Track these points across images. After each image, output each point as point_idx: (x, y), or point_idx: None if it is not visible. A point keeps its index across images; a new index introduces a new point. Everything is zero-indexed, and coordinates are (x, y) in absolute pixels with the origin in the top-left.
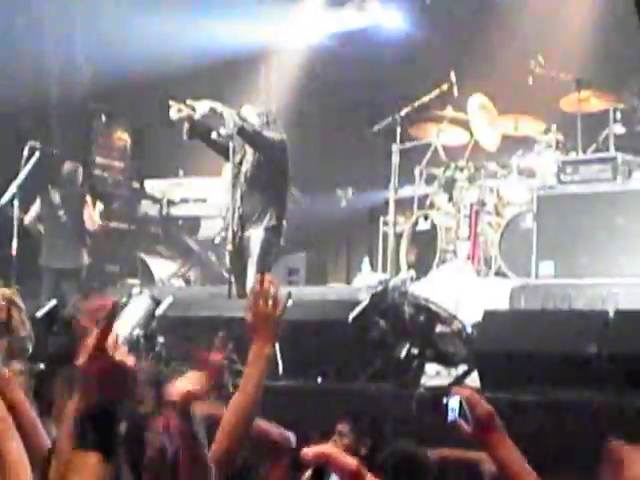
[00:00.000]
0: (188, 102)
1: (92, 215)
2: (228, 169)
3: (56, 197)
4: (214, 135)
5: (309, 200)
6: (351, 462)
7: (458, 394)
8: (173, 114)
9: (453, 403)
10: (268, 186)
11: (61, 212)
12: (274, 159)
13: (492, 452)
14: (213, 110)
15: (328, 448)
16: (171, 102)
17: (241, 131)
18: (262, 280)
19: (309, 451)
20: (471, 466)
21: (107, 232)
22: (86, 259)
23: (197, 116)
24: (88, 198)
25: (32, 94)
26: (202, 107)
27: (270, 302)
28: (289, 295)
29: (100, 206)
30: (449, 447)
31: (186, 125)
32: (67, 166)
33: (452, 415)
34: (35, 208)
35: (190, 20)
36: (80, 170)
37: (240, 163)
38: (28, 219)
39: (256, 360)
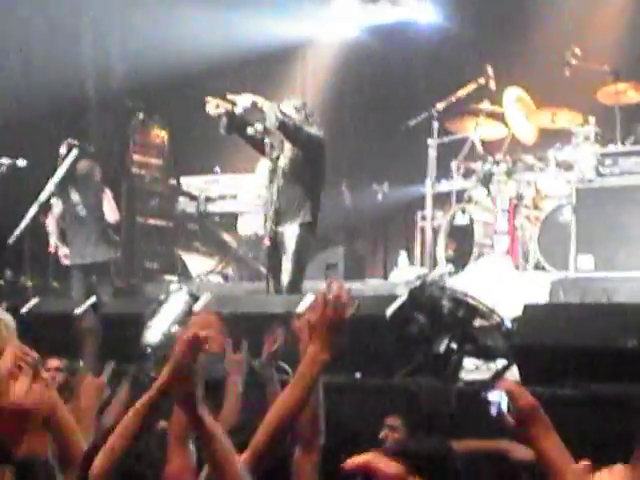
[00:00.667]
0: (229, 96)
1: (113, 207)
2: (262, 165)
3: (75, 195)
4: (251, 131)
5: (347, 195)
6: (393, 467)
7: (501, 387)
8: (210, 109)
9: (495, 396)
10: (305, 182)
11: (80, 208)
12: (312, 155)
13: (536, 445)
14: (254, 104)
15: (369, 457)
16: (208, 98)
17: (282, 126)
18: (333, 284)
19: (351, 462)
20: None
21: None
22: (113, 252)
23: (238, 110)
24: (107, 191)
25: (69, 92)
26: (244, 101)
27: (338, 307)
28: (357, 305)
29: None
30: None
31: (224, 120)
32: (83, 164)
33: (495, 408)
34: (56, 209)
35: (225, 16)
36: (97, 167)
37: (277, 158)
38: (52, 220)
39: (311, 363)
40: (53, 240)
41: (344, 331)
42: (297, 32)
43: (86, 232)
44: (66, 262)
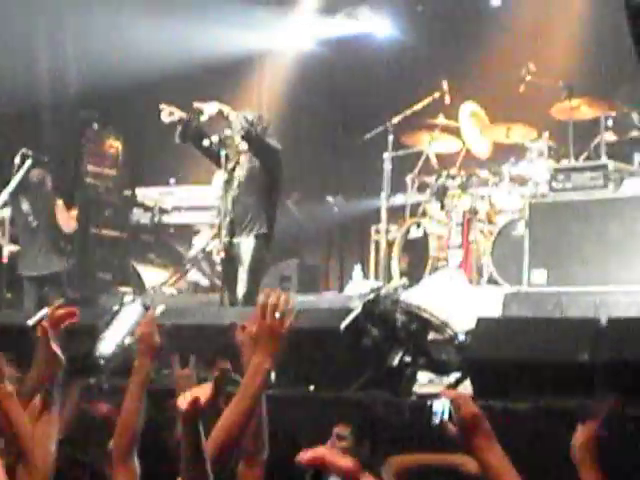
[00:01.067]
0: (196, 104)
1: (68, 217)
2: (218, 177)
3: (25, 205)
4: (206, 142)
5: (301, 207)
6: (348, 461)
7: (444, 396)
8: (164, 116)
9: (439, 406)
10: (260, 193)
11: (31, 218)
12: (269, 166)
13: (478, 455)
14: (221, 112)
15: (323, 450)
16: (162, 105)
17: (247, 135)
18: (271, 293)
19: (305, 454)
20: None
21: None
22: (64, 263)
23: (204, 117)
24: (59, 202)
25: (23, 101)
26: (210, 108)
27: (278, 316)
28: (296, 314)
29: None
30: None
31: (179, 128)
32: (34, 173)
33: (437, 417)
34: (5, 214)
35: (181, 26)
36: (48, 176)
37: (233, 169)
38: None
39: (255, 373)
40: (5, 250)
41: (284, 340)
42: (254, 43)
43: (37, 243)
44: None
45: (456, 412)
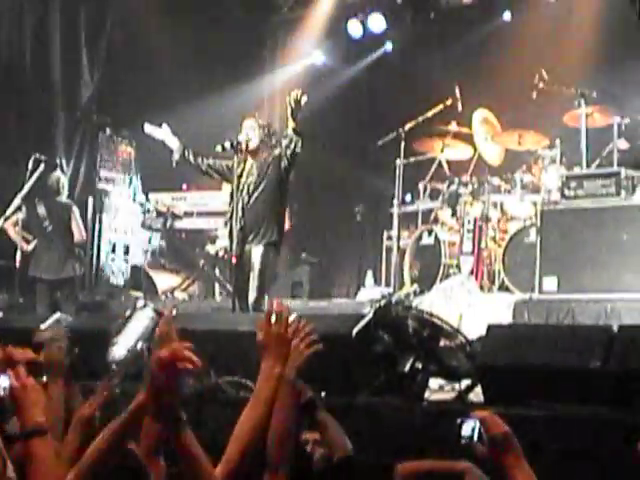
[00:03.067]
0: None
1: (80, 226)
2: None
3: (41, 208)
4: (218, 148)
5: (314, 214)
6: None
7: (475, 416)
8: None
9: (468, 425)
10: (270, 201)
11: (46, 223)
12: (279, 174)
13: (508, 473)
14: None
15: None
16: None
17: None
18: (274, 303)
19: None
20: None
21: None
22: (77, 269)
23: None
24: (75, 209)
25: (37, 106)
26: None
27: (282, 323)
28: (299, 320)
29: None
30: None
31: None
32: (52, 177)
33: (467, 436)
34: (19, 216)
35: (194, 30)
36: (65, 181)
37: (240, 176)
38: (9, 226)
39: (267, 379)
40: (19, 254)
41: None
42: (268, 53)
43: (52, 247)
44: (28, 248)
45: (486, 432)
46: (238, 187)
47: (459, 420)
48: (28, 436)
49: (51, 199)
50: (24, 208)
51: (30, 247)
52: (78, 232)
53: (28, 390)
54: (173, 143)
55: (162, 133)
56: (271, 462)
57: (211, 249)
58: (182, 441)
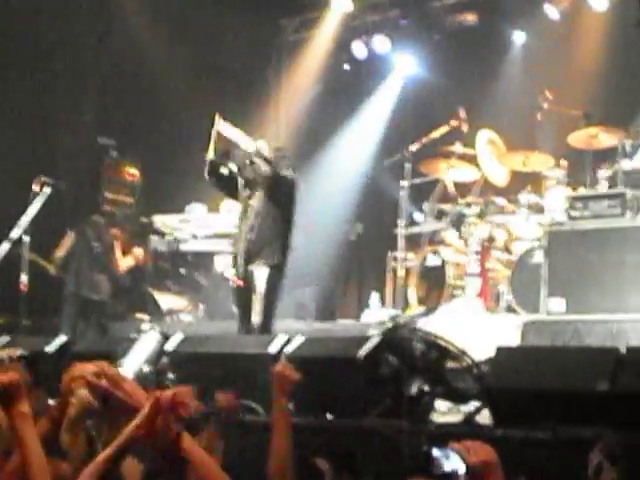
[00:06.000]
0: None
1: (121, 259)
2: (226, 205)
3: (89, 230)
4: (225, 170)
5: (318, 235)
6: None
7: (451, 448)
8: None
9: (441, 454)
10: (275, 222)
11: (96, 244)
12: (284, 197)
13: None
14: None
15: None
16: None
17: (264, 168)
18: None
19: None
20: None
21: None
22: (110, 295)
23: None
24: (118, 243)
25: (40, 127)
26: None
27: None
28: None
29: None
30: None
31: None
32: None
33: (447, 466)
34: (67, 243)
35: (197, 50)
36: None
37: (249, 198)
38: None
39: (282, 412)
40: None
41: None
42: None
43: (96, 269)
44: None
45: (466, 461)
46: (245, 210)
47: (429, 449)
48: None
49: (97, 224)
50: (72, 233)
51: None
52: (119, 264)
53: None
54: (249, 145)
55: (237, 134)
56: None
57: (216, 270)
58: (187, 451)
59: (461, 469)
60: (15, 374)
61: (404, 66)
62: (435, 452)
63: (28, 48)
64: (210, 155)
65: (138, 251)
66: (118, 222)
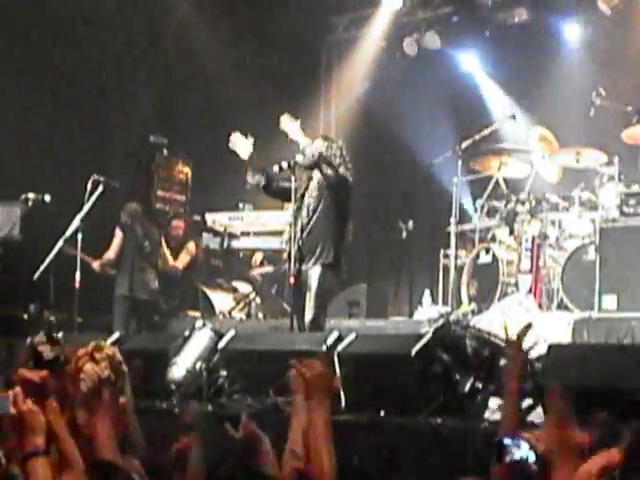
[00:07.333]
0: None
1: (167, 255)
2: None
3: (138, 228)
4: (275, 168)
5: (370, 232)
6: None
7: (523, 439)
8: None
9: (511, 442)
10: (329, 221)
11: (146, 243)
12: (338, 196)
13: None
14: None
15: None
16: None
17: (316, 165)
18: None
19: None
20: None
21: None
22: (160, 292)
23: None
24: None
25: (94, 127)
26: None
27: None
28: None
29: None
30: None
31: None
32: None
33: (516, 455)
34: (116, 244)
35: (250, 48)
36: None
37: (302, 196)
38: (106, 260)
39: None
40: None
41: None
42: (323, 68)
43: (145, 268)
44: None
45: (534, 450)
46: (299, 207)
47: (503, 442)
48: (25, 458)
49: (146, 224)
50: (120, 233)
51: (97, 266)
52: (167, 260)
53: (25, 416)
54: (309, 145)
55: (296, 131)
56: None
57: (258, 270)
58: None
59: (531, 457)
60: (43, 372)
61: (455, 63)
62: (506, 441)
63: (84, 49)
64: (255, 180)
65: (191, 246)
66: (175, 217)
